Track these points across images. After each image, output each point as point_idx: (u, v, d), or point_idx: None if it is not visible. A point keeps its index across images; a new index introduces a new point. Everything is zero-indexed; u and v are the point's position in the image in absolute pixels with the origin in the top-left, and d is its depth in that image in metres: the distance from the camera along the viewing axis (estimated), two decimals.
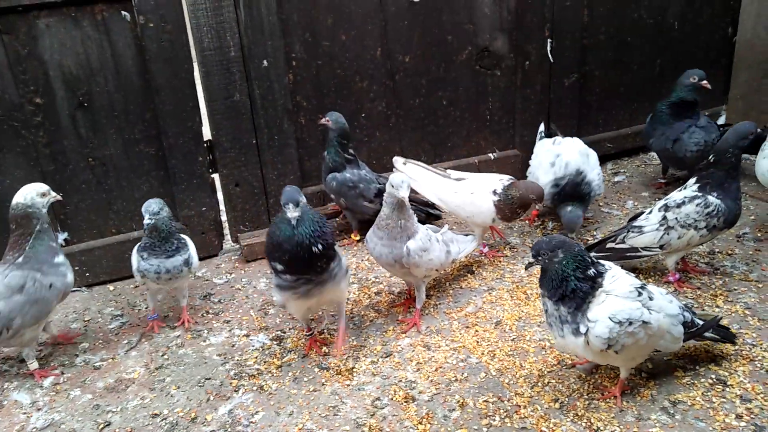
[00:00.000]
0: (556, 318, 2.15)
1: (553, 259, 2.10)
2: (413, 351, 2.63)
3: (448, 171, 3.34)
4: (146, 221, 2.63)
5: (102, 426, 2.33)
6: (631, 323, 2.07)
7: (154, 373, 2.60)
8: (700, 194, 2.75)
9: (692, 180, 2.84)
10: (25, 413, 2.42)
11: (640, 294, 2.13)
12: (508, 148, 4.10)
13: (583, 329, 2.08)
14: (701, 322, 2.30)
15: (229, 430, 2.26)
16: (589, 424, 2.17)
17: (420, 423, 2.23)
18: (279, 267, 2.35)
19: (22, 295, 2.45)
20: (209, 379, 2.54)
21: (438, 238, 2.80)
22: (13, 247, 2.52)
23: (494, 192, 3.08)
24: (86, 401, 2.47)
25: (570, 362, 2.47)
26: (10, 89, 2.96)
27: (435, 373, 2.49)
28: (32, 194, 2.52)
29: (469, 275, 3.17)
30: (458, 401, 2.32)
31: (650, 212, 2.87)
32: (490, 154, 4.05)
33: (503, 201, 3.06)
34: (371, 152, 3.79)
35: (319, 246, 2.31)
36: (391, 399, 2.36)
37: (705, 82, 3.53)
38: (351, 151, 3.44)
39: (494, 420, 2.22)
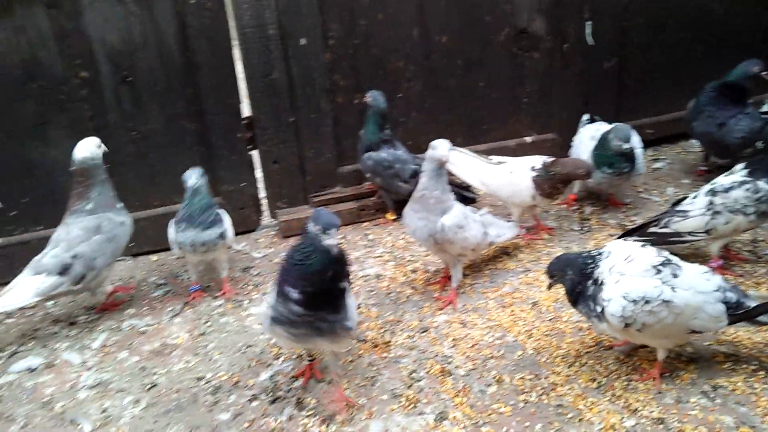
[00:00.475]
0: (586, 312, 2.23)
1: (565, 276, 2.25)
2: (449, 327, 2.65)
3: (490, 157, 3.35)
4: (191, 183, 2.72)
5: (149, 386, 2.41)
6: (648, 302, 2.07)
7: (198, 339, 2.68)
8: (749, 179, 2.71)
9: (740, 166, 2.79)
10: (75, 372, 2.52)
11: (659, 271, 2.11)
12: (545, 131, 4.07)
13: (599, 309, 2.14)
14: (753, 305, 2.19)
15: (271, 394, 2.32)
16: (627, 404, 2.17)
17: (456, 396, 2.26)
18: (295, 296, 2.01)
19: (101, 234, 2.69)
20: (250, 346, 2.60)
21: (476, 218, 2.81)
22: (79, 198, 2.72)
23: (533, 168, 3.08)
24: (133, 363, 2.55)
25: (608, 344, 2.47)
26: (56, 63, 3.04)
27: (471, 349, 2.51)
28: (92, 148, 2.72)
29: (505, 256, 3.17)
30: (495, 377, 2.34)
31: (695, 197, 2.83)
32: (527, 138, 4.03)
33: (542, 176, 3.06)
34: (407, 133, 3.79)
35: (345, 283, 2.10)
36: (428, 372, 2.39)
37: (767, 72, 3.47)
38: (388, 130, 3.45)
39: (531, 396, 2.24)
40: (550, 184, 3.05)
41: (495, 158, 3.32)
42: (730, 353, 2.38)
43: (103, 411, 2.30)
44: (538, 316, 2.68)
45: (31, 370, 2.55)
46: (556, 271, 2.27)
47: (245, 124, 3.47)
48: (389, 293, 2.92)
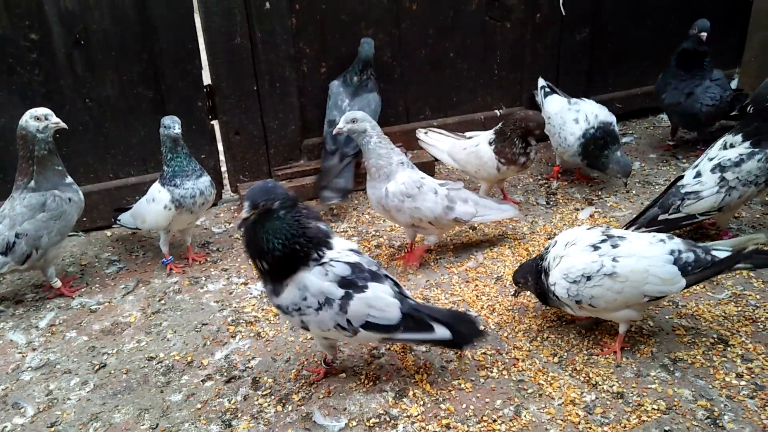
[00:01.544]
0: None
1: (527, 283, 2.36)
2: None
3: (466, 134, 3.30)
4: (174, 131, 2.62)
5: (97, 367, 2.31)
6: (589, 278, 2.11)
7: (151, 317, 2.58)
8: (757, 149, 2.67)
9: (737, 137, 2.74)
10: (20, 353, 2.41)
11: (596, 248, 2.15)
12: (515, 105, 4.00)
13: (551, 294, 2.22)
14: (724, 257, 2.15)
15: (226, 374, 2.25)
16: (587, 378, 2.15)
17: (417, 373, 2.22)
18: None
19: (45, 212, 2.54)
20: (206, 324, 2.52)
21: (435, 189, 2.72)
22: (21, 174, 2.58)
23: (489, 142, 3.04)
24: (82, 343, 2.46)
25: (569, 318, 2.45)
26: (4, 23, 2.86)
27: None
28: (26, 117, 2.52)
29: (470, 231, 3.12)
30: (456, 353, 2.30)
31: (696, 176, 2.75)
32: (497, 111, 3.97)
33: (498, 142, 3.01)
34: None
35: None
36: (388, 349, 2.34)
37: (703, 33, 3.45)
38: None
39: (492, 372, 2.21)
40: (509, 147, 2.99)
41: (469, 134, 3.27)
42: (690, 326, 2.38)
43: (48, 393, 2.20)
44: (501, 290, 2.65)
45: None
46: (520, 280, 2.38)
47: (206, 93, 3.33)
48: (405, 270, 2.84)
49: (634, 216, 2.89)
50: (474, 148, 3.11)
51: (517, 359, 2.26)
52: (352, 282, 1.95)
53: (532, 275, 2.31)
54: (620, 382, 2.13)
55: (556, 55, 3.93)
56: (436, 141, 3.37)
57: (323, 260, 1.93)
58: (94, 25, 3.01)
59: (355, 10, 3.47)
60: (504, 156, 3.00)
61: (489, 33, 3.80)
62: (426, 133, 3.43)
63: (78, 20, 2.97)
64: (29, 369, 2.32)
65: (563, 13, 3.81)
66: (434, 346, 2.25)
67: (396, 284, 2.08)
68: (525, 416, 2.01)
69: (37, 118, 2.50)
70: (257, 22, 3.25)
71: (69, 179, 2.65)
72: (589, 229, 2.26)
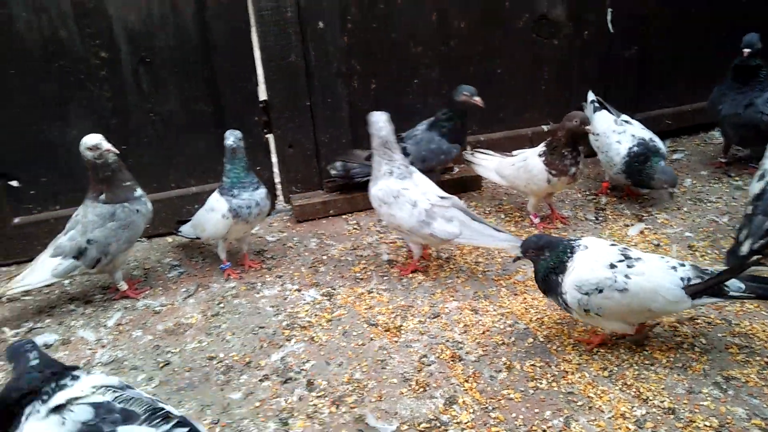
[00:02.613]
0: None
1: (540, 257, 2.32)
2: (461, 314, 2.65)
3: (513, 152, 3.37)
4: (230, 142, 2.76)
5: (162, 365, 2.44)
6: (601, 290, 2.18)
7: (211, 319, 2.70)
8: None
9: None
10: (90, 349, 2.56)
11: (613, 267, 2.21)
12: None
13: (559, 297, 2.28)
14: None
15: (282, 375, 2.34)
16: (638, 393, 2.16)
17: (466, 381, 2.26)
18: None
19: (115, 221, 2.70)
20: (263, 327, 2.62)
21: (415, 202, 2.75)
22: (92, 188, 2.75)
23: (539, 154, 3.11)
24: (147, 341, 2.59)
25: (620, 335, 2.45)
26: (77, 43, 3.06)
27: (482, 335, 2.51)
28: (82, 147, 2.67)
29: None
30: (505, 363, 2.34)
31: None
32: (544, 126, 4.00)
33: (548, 152, 3.06)
34: (422, 119, 3.73)
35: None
36: (438, 357, 2.40)
37: (746, 49, 3.44)
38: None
39: (541, 383, 2.24)
40: (559, 158, 3.03)
41: (516, 152, 3.35)
42: (743, 345, 2.35)
43: None
44: (550, 304, 2.66)
45: (47, 346, 2.59)
46: (532, 249, 2.33)
47: (261, 108, 3.48)
48: (401, 279, 2.92)
49: (742, 228, 2.74)
50: (522, 162, 3.16)
51: (567, 372, 2.28)
52: (96, 429, 1.58)
53: (553, 257, 2.27)
54: (671, 398, 2.13)
55: (605, 71, 3.95)
56: (482, 160, 3.49)
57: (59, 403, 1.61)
58: (159, 44, 3.19)
59: (405, 29, 3.58)
60: (554, 167, 3.04)
61: (536, 50, 3.85)
62: (472, 153, 3.55)
63: (145, 40, 3.15)
64: (99, 364, 2.46)
65: (611, 30, 3.84)
66: None
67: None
68: (575, 427, 2.04)
69: (89, 149, 2.64)
70: (311, 41, 3.38)
71: (138, 192, 2.80)
72: (611, 245, 2.32)
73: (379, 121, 2.80)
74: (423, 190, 2.82)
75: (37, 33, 2.97)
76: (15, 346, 1.82)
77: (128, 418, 1.61)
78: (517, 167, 3.21)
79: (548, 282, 2.31)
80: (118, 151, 2.72)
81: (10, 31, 2.93)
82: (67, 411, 1.60)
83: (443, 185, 3.10)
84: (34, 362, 1.73)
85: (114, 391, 1.67)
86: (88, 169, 2.72)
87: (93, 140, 2.65)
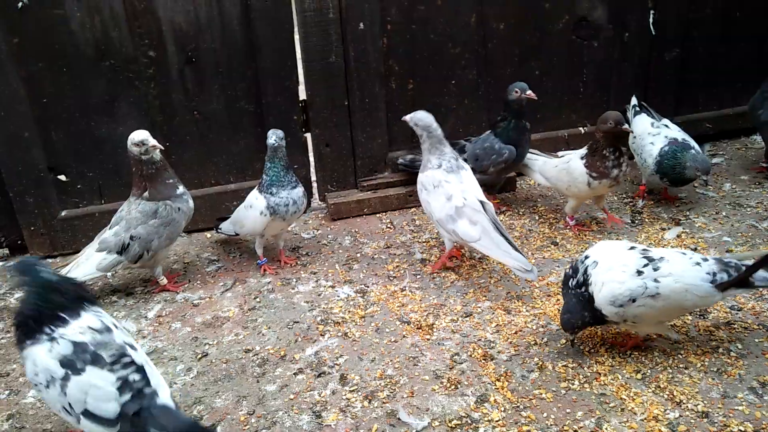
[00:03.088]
0: None
1: (584, 322, 2.32)
2: (493, 314, 2.67)
3: (558, 153, 3.40)
4: (272, 141, 2.84)
5: (200, 356, 2.52)
6: (634, 300, 2.19)
7: (247, 313, 2.78)
8: None
9: None
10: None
11: (640, 273, 2.21)
12: None
13: (599, 314, 2.28)
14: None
15: (316, 369, 2.39)
16: (671, 396, 2.15)
17: (498, 380, 2.28)
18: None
19: (157, 218, 2.80)
20: (297, 322, 2.69)
21: (450, 196, 2.82)
22: (136, 186, 2.84)
23: (582, 156, 3.10)
24: (186, 333, 2.68)
25: (653, 337, 2.44)
26: (127, 42, 3.17)
27: (514, 335, 2.52)
28: (129, 143, 2.77)
29: (552, 246, 3.16)
30: (537, 363, 2.35)
31: None
32: (581, 128, 3.98)
33: (589, 156, 3.06)
34: (458, 120, 3.80)
35: None
36: (470, 355, 2.42)
37: None
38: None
39: (573, 384, 2.24)
40: (600, 160, 3.01)
41: (561, 153, 3.37)
42: None
43: None
44: None
45: None
46: (569, 327, 2.34)
47: (301, 107, 3.55)
48: (434, 278, 2.95)
49: None
50: (565, 164, 3.16)
51: (599, 373, 2.28)
52: (71, 362, 1.83)
53: (578, 312, 2.29)
54: (705, 402, 2.11)
55: (645, 74, 3.90)
56: (529, 161, 3.49)
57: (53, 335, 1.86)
58: (205, 45, 3.28)
59: (444, 30, 3.60)
60: (596, 170, 3.03)
61: (576, 52, 3.83)
62: None
63: (191, 40, 3.25)
64: None
65: (653, 33, 3.79)
66: None
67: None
68: (606, 429, 2.04)
69: (136, 145, 2.73)
70: (351, 42, 3.44)
71: (180, 190, 2.88)
72: (630, 249, 2.31)
73: (429, 119, 2.91)
74: (464, 188, 2.84)
75: (89, 33, 3.09)
76: (28, 263, 1.97)
77: (96, 360, 1.83)
78: (559, 169, 3.21)
79: (595, 318, 2.29)
80: (162, 147, 2.81)
81: (65, 31, 3.06)
82: (56, 342, 1.86)
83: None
84: (55, 294, 1.93)
85: (93, 333, 1.89)
86: (133, 165, 2.82)
87: (140, 136, 2.74)
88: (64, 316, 1.89)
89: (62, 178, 3.31)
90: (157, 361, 2.50)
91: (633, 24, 3.78)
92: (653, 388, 2.19)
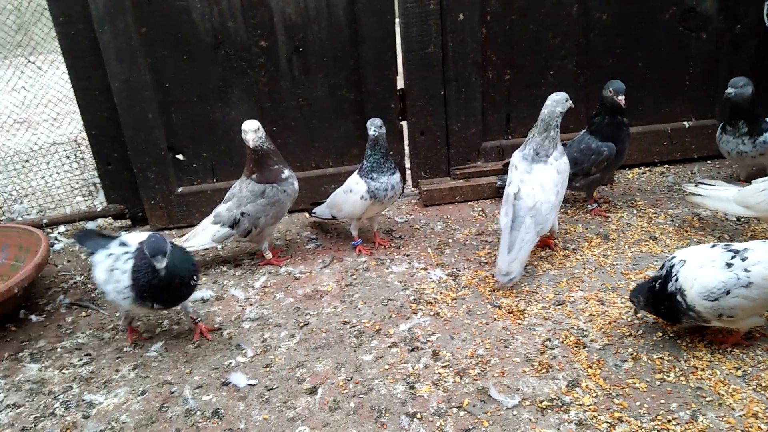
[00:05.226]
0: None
1: (640, 304, 2.42)
2: (586, 304, 2.67)
3: (753, 181, 2.92)
4: (372, 131, 2.97)
5: (302, 324, 2.69)
6: (728, 292, 2.18)
7: (344, 288, 2.93)
8: None
9: None
10: (240, 306, 2.88)
11: (730, 266, 2.21)
12: (706, 117, 3.86)
13: (690, 313, 2.26)
14: None
15: (409, 344, 2.50)
16: None
17: (590, 367, 2.30)
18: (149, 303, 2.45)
19: (264, 198, 3.00)
20: (391, 300, 2.80)
21: (511, 182, 2.93)
22: (247, 169, 3.07)
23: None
24: (288, 303, 2.86)
25: (758, 335, 2.37)
26: (241, 32, 3.40)
27: (608, 326, 2.52)
28: (244, 135, 2.92)
29: (650, 241, 3.10)
30: (631, 354, 2.34)
31: None
32: (685, 122, 3.86)
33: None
34: None
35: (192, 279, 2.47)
36: (562, 342, 2.45)
37: None
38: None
39: (668, 376, 2.22)
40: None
41: (758, 180, 2.89)
42: None
43: (263, 341, 2.61)
44: None
45: (204, 301, 2.94)
46: (634, 299, 2.44)
47: (398, 96, 3.66)
48: (526, 266, 2.97)
49: None
50: None
51: (696, 368, 2.24)
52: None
53: (645, 296, 2.37)
54: None
55: (755, 67, 3.72)
56: (712, 192, 3.04)
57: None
58: (312, 35, 3.46)
59: (545, 20, 3.60)
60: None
61: (682, 43, 3.72)
62: (696, 185, 3.12)
63: (299, 30, 3.44)
64: (248, 319, 2.76)
65: (767, 25, 3.61)
66: None
67: None
68: (702, 422, 2.01)
69: (254, 131, 2.91)
70: (450, 32, 3.51)
71: (286, 173, 3.06)
72: (712, 247, 2.31)
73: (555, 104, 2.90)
74: (532, 182, 2.85)
75: (209, 23, 3.34)
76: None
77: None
78: None
79: (667, 312, 2.33)
80: (251, 146, 2.94)
81: (187, 21, 3.32)
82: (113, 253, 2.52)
83: None
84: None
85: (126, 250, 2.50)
86: (246, 148, 3.02)
87: (251, 126, 2.92)
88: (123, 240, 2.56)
89: (180, 157, 3.59)
90: (264, 327, 2.69)
91: (745, 16, 3.62)
92: (754, 386, 2.14)
